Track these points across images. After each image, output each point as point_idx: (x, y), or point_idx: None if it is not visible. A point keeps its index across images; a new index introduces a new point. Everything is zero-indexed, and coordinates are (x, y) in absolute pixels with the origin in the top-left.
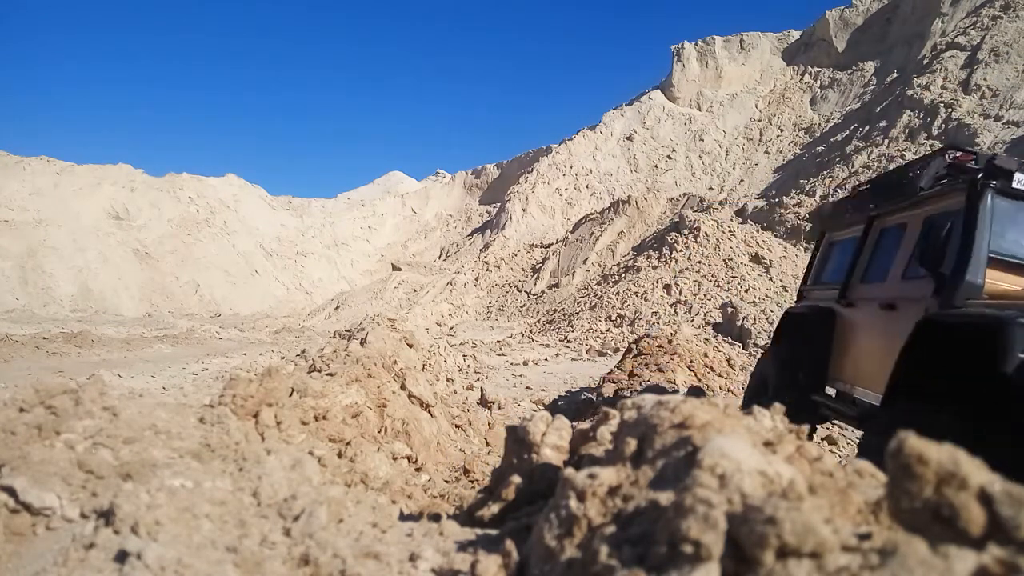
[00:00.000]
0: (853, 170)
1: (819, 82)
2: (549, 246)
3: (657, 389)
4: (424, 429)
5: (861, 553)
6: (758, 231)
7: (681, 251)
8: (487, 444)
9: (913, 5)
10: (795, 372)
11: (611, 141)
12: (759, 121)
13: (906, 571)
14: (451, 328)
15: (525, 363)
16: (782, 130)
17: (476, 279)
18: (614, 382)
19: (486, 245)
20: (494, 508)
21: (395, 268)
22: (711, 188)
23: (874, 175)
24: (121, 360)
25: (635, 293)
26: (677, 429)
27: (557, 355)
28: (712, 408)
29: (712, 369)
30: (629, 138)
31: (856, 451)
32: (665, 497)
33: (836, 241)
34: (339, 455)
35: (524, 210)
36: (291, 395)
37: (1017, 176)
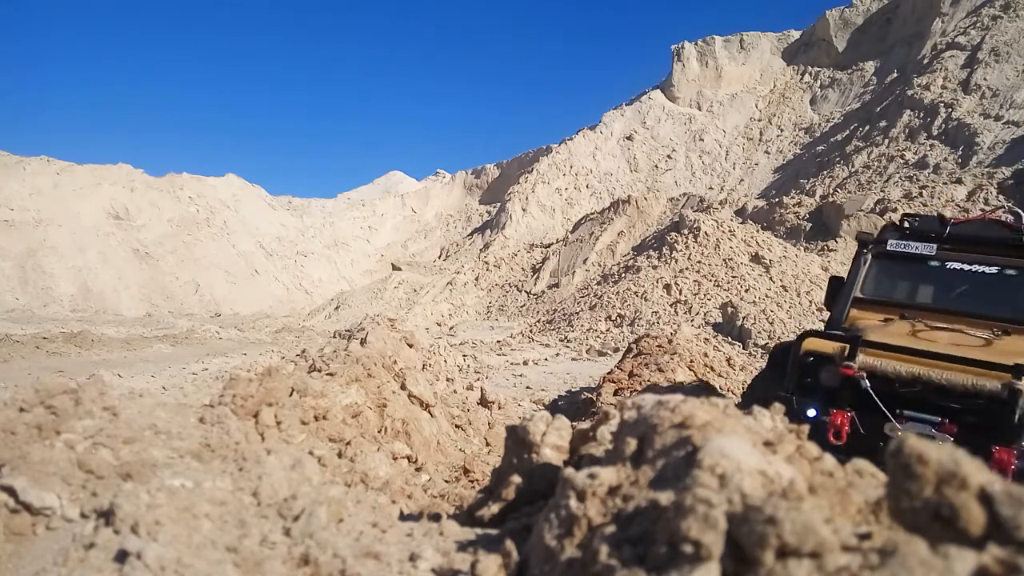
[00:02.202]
0: (853, 170)
1: (819, 82)
2: (549, 246)
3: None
4: (424, 429)
5: (861, 553)
6: (758, 231)
7: (681, 251)
8: (487, 444)
9: (913, 5)
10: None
11: (611, 141)
12: (759, 121)
13: (906, 571)
14: (451, 328)
15: (525, 363)
16: (782, 130)
17: (476, 279)
18: (614, 382)
19: (486, 245)
20: (494, 508)
21: (395, 268)
22: (711, 188)
23: (874, 175)
24: (121, 360)
25: (635, 293)
26: (677, 429)
27: (557, 355)
28: (712, 408)
29: (712, 369)
30: (629, 138)
31: None
32: (665, 497)
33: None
34: (339, 455)
35: (524, 210)
36: (291, 395)
37: (892, 242)
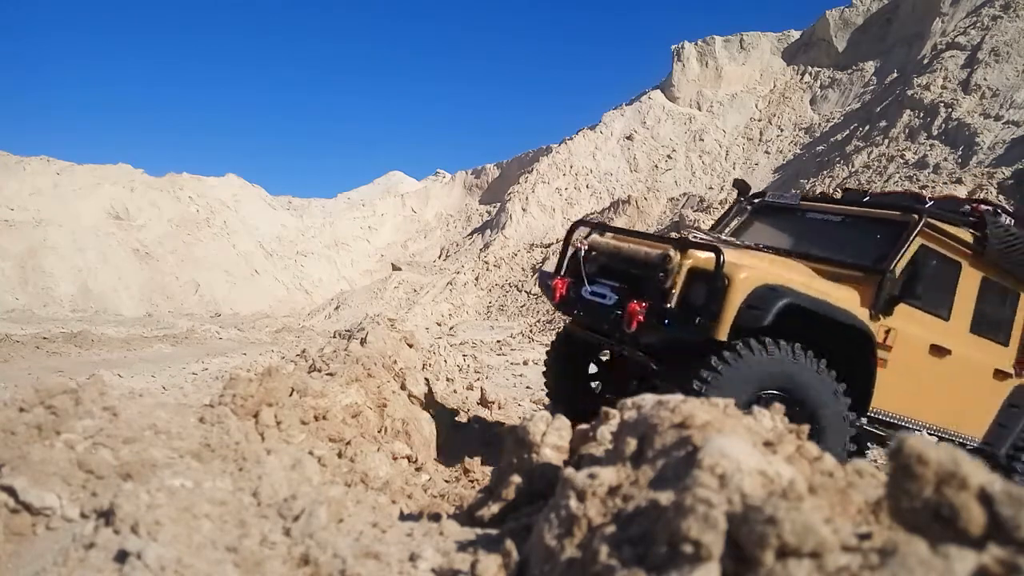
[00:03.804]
0: (853, 170)
1: (819, 82)
2: (549, 246)
3: None
4: (424, 429)
5: (861, 553)
6: None
7: None
8: (487, 444)
9: (913, 5)
10: None
11: (611, 141)
12: (759, 121)
13: (906, 571)
14: (451, 328)
15: (525, 363)
16: (782, 130)
17: (476, 279)
18: None
19: (486, 245)
20: (494, 508)
21: (395, 268)
22: (711, 188)
23: (874, 175)
24: (121, 360)
25: None
26: (677, 429)
27: None
28: (712, 408)
29: None
30: (629, 138)
31: None
32: (665, 497)
33: None
34: (339, 455)
35: (524, 210)
36: (291, 395)
37: (770, 194)
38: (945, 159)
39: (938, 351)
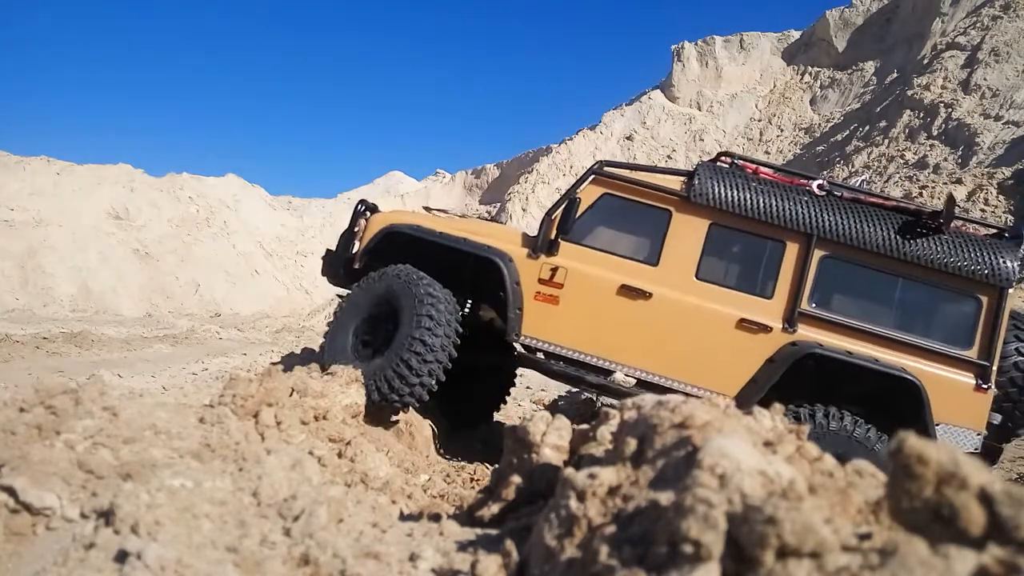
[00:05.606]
0: (853, 170)
1: (819, 82)
2: None
3: None
4: (424, 429)
5: (861, 553)
6: None
7: None
8: (487, 444)
9: (913, 5)
10: None
11: (611, 141)
12: (759, 121)
13: (906, 571)
14: None
15: None
16: (782, 130)
17: None
18: None
19: None
20: (494, 508)
21: None
22: None
23: (874, 175)
24: (121, 360)
25: None
26: (677, 429)
27: None
28: (712, 408)
29: None
30: (629, 138)
31: None
32: (665, 497)
33: None
34: (339, 455)
35: (524, 210)
36: (291, 395)
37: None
38: (945, 159)
39: (633, 292)
